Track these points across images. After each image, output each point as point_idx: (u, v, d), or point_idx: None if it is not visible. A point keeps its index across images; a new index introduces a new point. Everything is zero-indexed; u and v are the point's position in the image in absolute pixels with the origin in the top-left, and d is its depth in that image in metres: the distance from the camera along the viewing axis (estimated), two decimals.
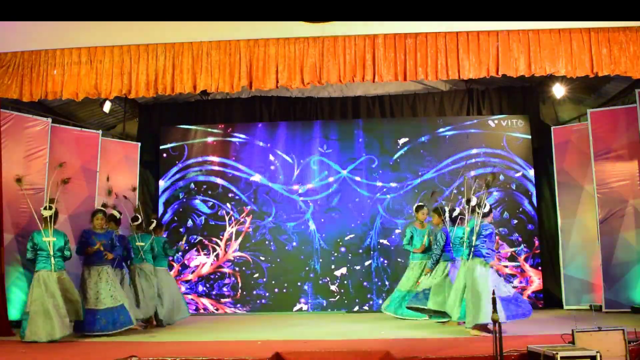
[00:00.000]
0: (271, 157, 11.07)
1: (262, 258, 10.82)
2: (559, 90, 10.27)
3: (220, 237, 10.94)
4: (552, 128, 10.46)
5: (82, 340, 7.15)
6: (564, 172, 10.18)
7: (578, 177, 10.01)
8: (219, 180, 11.11)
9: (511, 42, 6.87)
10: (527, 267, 10.39)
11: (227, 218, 10.97)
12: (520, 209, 10.56)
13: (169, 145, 11.25)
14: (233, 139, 11.18)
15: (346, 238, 10.75)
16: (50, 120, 9.21)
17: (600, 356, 4.75)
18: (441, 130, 10.85)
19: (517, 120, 10.75)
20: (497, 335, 4.73)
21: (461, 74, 6.95)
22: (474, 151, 10.72)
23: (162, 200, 11.14)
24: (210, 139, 11.25)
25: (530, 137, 10.69)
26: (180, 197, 11.09)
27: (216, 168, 11.16)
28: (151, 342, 6.97)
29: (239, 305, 10.70)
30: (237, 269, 10.82)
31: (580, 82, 9.52)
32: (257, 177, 11.04)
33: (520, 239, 10.48)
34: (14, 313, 8.27)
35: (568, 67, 6.82)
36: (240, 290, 10.74)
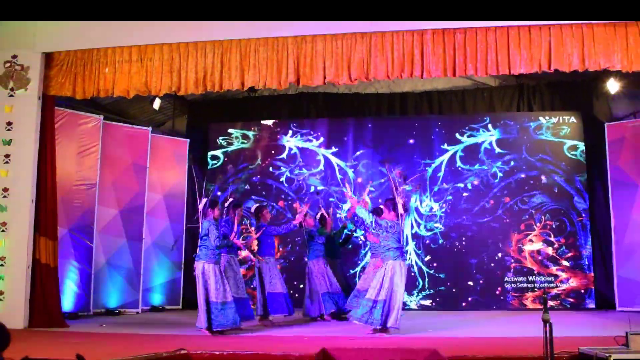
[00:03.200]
0: (320, 157, 11.06)
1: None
2: (613, 86, 9.96)
3: None
4: (605, 124, 10.17)
5: (130, 332, 7.30)
6: (618, 169, 9.88)
7: (633, 174, 9.69)
8: (270, 181, 11.18)
9: (564, 36, 6.70)
10: (568, 267, 10.16)
11: (280, 218, 10.97)
12: (562, 211, 10.32)
13: (219, 151, 11.39)
14: (281, 140, 11.23)
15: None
16: (102, 117, 9.44)
17: None
18: (491, 130, 10.65)
19: (569, 118, 10.49)
20: (548, 336, 4.62)
21: (512, 69, 6.83)
22: (517, 155, 10.53)
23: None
24: (259, 141, 11.34)
25: (575, 141, 10.42)
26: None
27: (268, 169, 11.23)
28: (199, 335, 7.05)
29: None
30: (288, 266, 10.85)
31: (635, 77, 9.22)
32: (306, 177, 11.05)
33: (561, 241, 10.25)
34: (67, 305, 8.50)
35: (624, 61, 6.61)
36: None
